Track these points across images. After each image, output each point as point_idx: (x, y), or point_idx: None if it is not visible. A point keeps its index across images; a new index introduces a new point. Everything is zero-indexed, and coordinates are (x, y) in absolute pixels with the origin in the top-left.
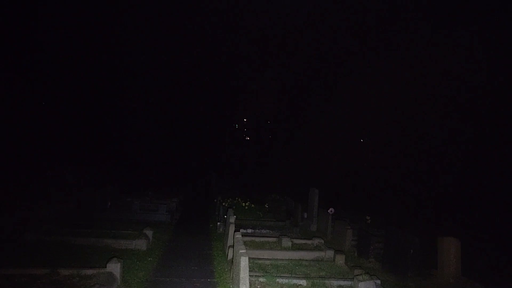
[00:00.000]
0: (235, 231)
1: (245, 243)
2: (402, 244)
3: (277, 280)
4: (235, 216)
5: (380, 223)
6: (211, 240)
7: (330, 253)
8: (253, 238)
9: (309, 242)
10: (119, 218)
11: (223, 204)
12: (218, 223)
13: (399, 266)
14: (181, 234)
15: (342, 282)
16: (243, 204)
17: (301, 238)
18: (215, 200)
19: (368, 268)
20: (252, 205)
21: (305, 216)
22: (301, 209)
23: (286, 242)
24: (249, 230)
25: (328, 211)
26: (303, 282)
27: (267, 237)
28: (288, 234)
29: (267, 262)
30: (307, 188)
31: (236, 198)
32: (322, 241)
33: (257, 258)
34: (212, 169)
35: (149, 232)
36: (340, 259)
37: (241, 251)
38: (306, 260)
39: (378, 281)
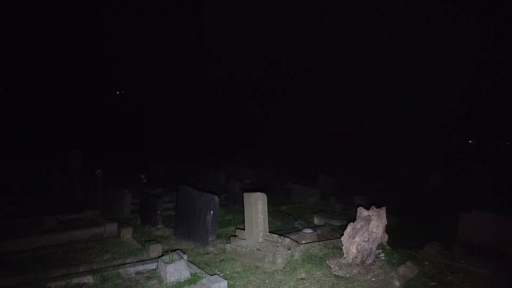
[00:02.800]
0: None
1: None
2: (199, 204)
3: (48, 285)
4: None
5: (157, 181)
6: None
7: (111, 227)
8: None
9: (80, 216)
10: None
11: None
12: None
13: (197, 231)
14: None
15: (141, 267)
16: None
17: (68, 212)
18: None
19: (158, 237)
20: None
21: (65, 182)
22: (59, 174)
23: (49, 221)
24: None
25: (96, 172)
26: (88, 278)
27: (18, 218)
28: (46, 208)
29: (24, 255)
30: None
31: None
32: (98, 212)
33: (8, 253)
34: None
35: None
36: (127, 233)
37: None
38: (82, 241)
39: (185, 256)
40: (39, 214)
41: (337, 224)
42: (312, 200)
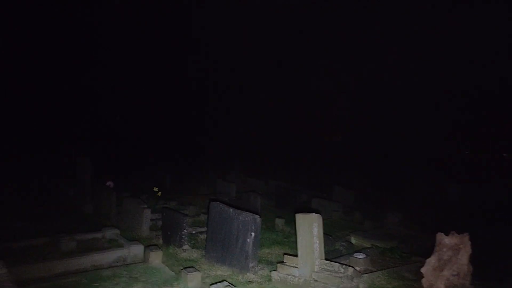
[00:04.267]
0: None
1: None
2: (236, 225)
3: None
4: None
5: (166, 192)
6: None
7: (136, 250)
8: (7, 244)
9: (98, 235)
10: None
11: None
12: None
13: (234, 255)
14: None
15: None
16: None
17: (86, 231)
18: None
19: (185, 260)
20: None
21: (71, 194)
22: (66, 184)
23: (68, 242)
24: None
25: (107, 184)
26: None
27: (32, 238)
28: (57, 224)
29: (46, 285)
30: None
31: None
32: (118, 232)
33: (27, 281)
34: None
35: None
36: (155, 258)
37: None
38: (105, 267)
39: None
40: (53, 233)
41: (382, 245)
42: (336, 215)
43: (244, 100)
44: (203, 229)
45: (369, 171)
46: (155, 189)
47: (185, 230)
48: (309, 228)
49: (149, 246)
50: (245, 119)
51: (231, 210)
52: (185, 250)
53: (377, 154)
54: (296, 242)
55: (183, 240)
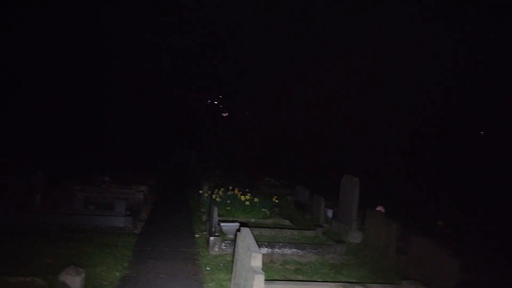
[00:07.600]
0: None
1: None
2: None
3: None
4: (260, 255)
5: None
6: (202, 278)
7: None
8: (285, 286)
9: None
10: (46, 222)
11: (214, 198)
12: (211, 237)
13: None
14: (147, 265)
15: None
16: (242, 197)
17: (380, 283)
18: (200, 191)
19: None
20: (255, 199)
21: (329, 215)
22: (324, 204)
23: None
24: (265, 250)
25: (377, 209)
26: None
27: (310, 282)
28: (328, 256)
29: None
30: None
31: (229, 188)
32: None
33: None
34: (188, 146)
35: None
36: None
37: None
38: None
39: None
40: (346, 284)
41: None
42: None
43: None
44: None
45: None
46: (440, 223)
47: None
48: None
49: None
50: None
51: None
52: None
53: None
54: None
55: None
